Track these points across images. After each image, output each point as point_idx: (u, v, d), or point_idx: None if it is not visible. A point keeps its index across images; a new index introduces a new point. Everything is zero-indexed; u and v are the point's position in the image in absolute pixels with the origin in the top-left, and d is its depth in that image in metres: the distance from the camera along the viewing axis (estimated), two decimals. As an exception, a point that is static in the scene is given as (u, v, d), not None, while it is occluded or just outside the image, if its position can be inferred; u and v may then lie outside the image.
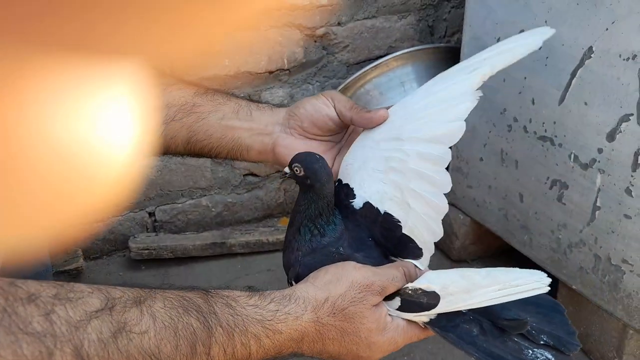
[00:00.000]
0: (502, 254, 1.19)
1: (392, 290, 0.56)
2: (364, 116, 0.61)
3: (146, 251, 1.21)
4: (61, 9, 0.11)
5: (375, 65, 1.18)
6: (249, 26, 0.13)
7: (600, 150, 0.82)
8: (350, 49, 1.27)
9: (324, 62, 1.28)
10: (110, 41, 0.12)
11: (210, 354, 0.49)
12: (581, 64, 0.81)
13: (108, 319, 0.43)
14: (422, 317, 0.57)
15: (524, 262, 1.04)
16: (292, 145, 0.65)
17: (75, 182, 0.15)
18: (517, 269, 0.57)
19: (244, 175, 1.33)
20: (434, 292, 0.56)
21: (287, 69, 1.24)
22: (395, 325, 0.57)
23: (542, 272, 0.56)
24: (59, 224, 0.15)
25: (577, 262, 0.90)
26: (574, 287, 0.92)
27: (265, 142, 0.66)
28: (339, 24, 1.24)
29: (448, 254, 1.20)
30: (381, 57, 1.24)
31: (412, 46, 1.24)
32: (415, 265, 0.60)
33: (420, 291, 0.56)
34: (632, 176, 0.78)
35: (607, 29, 0.76)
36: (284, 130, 0.66)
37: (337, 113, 0.64)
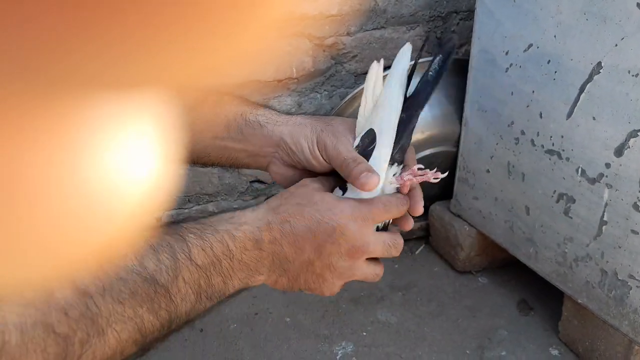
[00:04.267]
0: (508, 266, 1.19)
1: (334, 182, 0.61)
2: (355, 182, 0.59)
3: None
4: (79, 47, 0.11)
5: (383, 76, 1.19)
6: (260, 38, 0.13)
7: (608, 165, 0.82)
8: (358, 59, 1.28)
9: (332, 71, 1.28)
10: (126, 75, 0.12)
11: (192, 258, 0.51)
12: (590, 79, 0.82)
13: None
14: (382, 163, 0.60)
15: (530, 275, 1.04)
16: (285, 174, 0.67)
17: (95, 221, 0.15)
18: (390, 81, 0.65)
19: (250, 182, 1.34)
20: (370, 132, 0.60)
21: (295, 78, 1.25)
22: (347, 200, 0.58)
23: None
24: (75, 264, 0.15)
25: (583, 277, 0.90)
26: (579, 301, 0.92)
27: (261, 162, 0.67)
28: (347, 34, 1.25)
29: (453, 265, 1.20)
30: (389, 67, 1.24)
31: (420, 58, 1.24)
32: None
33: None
34: (639, 192, 0.78)
35: (616, 45, 0.77)
36: (276, 157, 0.66)
37: (325, 160, 0.63)
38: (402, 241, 0.61)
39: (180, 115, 0.16)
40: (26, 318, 0.40)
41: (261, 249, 0.55)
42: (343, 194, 0.61)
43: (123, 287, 0.46)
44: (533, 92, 0.92)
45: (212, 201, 1.32)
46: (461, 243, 1.16)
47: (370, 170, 0.58)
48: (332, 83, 1.29)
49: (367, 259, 0.59)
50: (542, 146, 0.93)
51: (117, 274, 0.46)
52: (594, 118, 0.82)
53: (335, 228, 0.56)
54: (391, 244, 0.60)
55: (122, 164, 0.14)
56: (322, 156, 0.63)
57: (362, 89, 0.70)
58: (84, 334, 0.43)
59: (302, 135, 0.64)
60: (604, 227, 0.85)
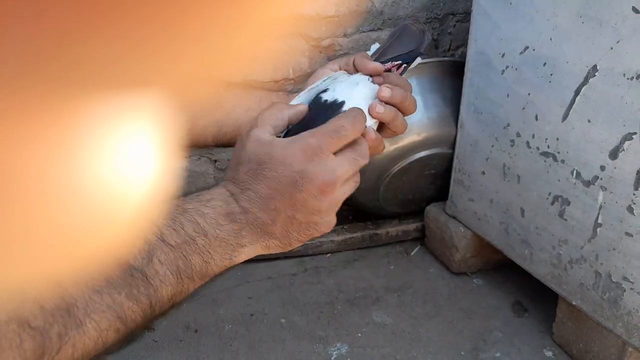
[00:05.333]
0: (503, 267, 1.20)
1: (265, 119, 0.58)
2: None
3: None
4: (78, 46, 0.11)
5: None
6: (258, 39, 0.13)
7: (602, 168, 0.82)
8: (355, 60, 1.28)
9: (328, 72, 1.29)
10: (124, 75, 0.12)
11: (164, 239, 0.50)
12: (585, 82, 0.82)
13: None
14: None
15: (524, 277, 1.04)
16: None
17: (92, 222, 0.15)
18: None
19: (246, 183, 1.34)
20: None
21: (292, 79, 1.25)
22: (294, 143, 0.57)
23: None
24: (71, 267, 0.15)
25: (577, 278, 0.91)
26: (574, 303, 0.92)
27: None
28: (344, 35, 1.25)
29: (448, 267, 1.20)
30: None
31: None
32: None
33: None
34: (634, 194, 0.78)
35: (611, 48, 0.77)
36: None
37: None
38: (364, 144, 0.59)
39: (180, 114, 0.16)
40: (0, 314, 0.39)
41: (235, 221, 0.54)
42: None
43: (97, 275, 0.45)
44: (529, 94, 0.92)
45: (207, 201, 1.32)
46: (456, 244, 1.16)
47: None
48: (329, 84, 1.30)
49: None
50: (538, 148, 0.93)
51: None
52: (589, 121, 0.83)
53: (296, 178, 0.55)
54: (356, 156, 0.58)
55: (121, 163, 0.14)
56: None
57: None
58: (61, 326, 0.42)
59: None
60: (598, 230, 0.85)
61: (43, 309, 0.41)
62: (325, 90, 0.63)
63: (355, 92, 0.61)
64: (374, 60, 0.66)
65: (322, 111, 0.60)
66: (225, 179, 0.57)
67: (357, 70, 0.66)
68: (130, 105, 0.14)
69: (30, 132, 0.12)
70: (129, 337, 0.48)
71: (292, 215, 0.56)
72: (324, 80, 0.65)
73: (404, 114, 0.63)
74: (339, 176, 0.56)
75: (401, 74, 0.67)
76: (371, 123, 0.61)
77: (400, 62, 0.67)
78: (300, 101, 0.64)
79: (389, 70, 0.67)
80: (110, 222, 0.15)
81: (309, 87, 0.64)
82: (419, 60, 0.70)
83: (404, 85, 0.64)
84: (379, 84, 0.63)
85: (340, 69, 0.68)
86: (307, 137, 0.56)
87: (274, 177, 0.54)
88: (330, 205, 0.57)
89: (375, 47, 0.72)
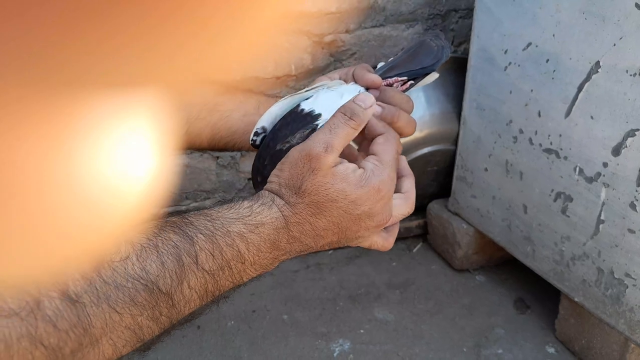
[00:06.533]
0: (505, 264, 1.20)
1: (340, 139, 0.54)
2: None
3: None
4: (73, 43, 0.11)
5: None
6: (260, 35, 0.13)
7: (605, 165, 0.82)
8: (357, 57, 1.28)
9: (330, 68, 1.28)
10: (121, 73, 0.12)
11: (199, 263, 0.47)
12: (588, 78, 0.82)
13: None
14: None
15: (527, 273, 1.04)
16: None
17: (89, 219, 0.14)
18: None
19: (248, 179, 1.34)
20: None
21: (294, 75, 1.25)
22: (365, 167, 0.55)
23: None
24: (68, 262, 0.15)
25: (580, 275, 0.91)
26: (576, 299, 0.92)
27: None
28: (346, 31, 1.25)
29: (450, 263, 1.20)
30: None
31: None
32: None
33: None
34: (636, 191, 0.78)
35: (614, 45, 0.77)
36: None
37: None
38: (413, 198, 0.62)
39: (177, 114, 0.15)
40: (10, 330, 0.38)
41: (278, 248, 0.52)
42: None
43: (122, 295, 0.43)
44: (532, 90, 0.92)
45: (209, 198, 1.32)
46: (459, 241, 1.16)
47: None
48: (331, 81, 1.29)
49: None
50: (540, 145, 0.93)
51: (116, 281, 0.43)
52: (592, 117, 0.83)
53: (362, 216, 0.54)
54: (409, 209, 0.60)
55: (118, 160, 0.14)
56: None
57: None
58: (75, 344, 0.41)
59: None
60: (600, 226, 0.85)
61: (57, 327, 0.40)
62: (307, 98, 0.60)
63: (336, 104, 0.57)
64: (380, 75, 0.62)
65: (294, 121, 0.58)
66: (285, 199, 0.53)
67: (355, 81, 0.63)
68: (127, 103, 0.14)
69: (28, 130, 0.12)
70: (141, 350, 0.47)
71: (337, 240, 0.56)
72: (314, 87, 0.62)
73: (399, 134, 0.59)
74: (394, 217, 0.58)
75: (405, 90, 0.63)
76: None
77: (406, 78, 0.63)
78: (280, 106, 0.61)
79: (390, 85, 0.63)
80: (108, 218, 0.15)
81: (294, 93, 0.61)
82: (435, 76, 0.65)
83: (400, 103, 0.60)
84: (372, 95, 0.59)
85: (340, 79, 0.65)
86: (380, 183, 0.54)
87: (339, 215, 0.53)
88: (371, 235, 0.58)
89: (382, 64, 0.68)
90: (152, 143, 0.15)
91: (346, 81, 0.64)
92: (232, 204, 0.52)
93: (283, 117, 0.60)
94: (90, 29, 0.10)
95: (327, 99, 0.60)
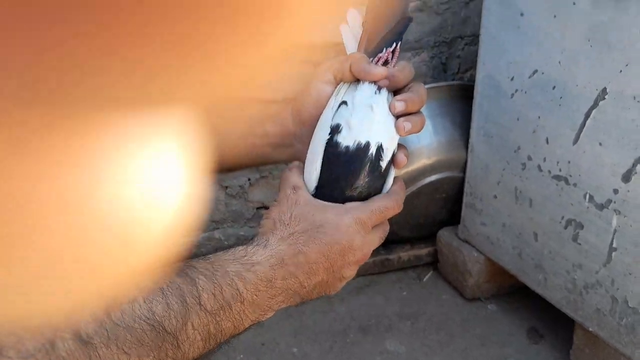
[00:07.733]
0: (517, 292, 1.18)
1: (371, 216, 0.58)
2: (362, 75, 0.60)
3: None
4: (101, 67, 0.10)
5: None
6: (269, 66, 0.13)
7: (615, 191, 0.81)
8: (364, 85, 1.29)
9: (337, 98, 1.29)
10: (148, 91, 0.11)
11: (202, 303, 0.50)
12: (595, 104, 0.81)
13: None
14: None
15: (540, 301, 1.02)
16: None
17: (111, 257, 0.14)
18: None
19: (257, 209, 1.33)
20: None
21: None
22: (348, 213, 0.57)
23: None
24: (84, 304, 0.15)
25: (593, 304, 0.89)
26: (590, 329, 0.90)
27: (289, 152, 0.67)
28: (353, 61, 1.26)
29: (461, 292, 1.18)
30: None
31: (425, 83, 1.24)
32: None
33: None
34: (648, 218, 0.77)
35: (620, 71, 0.76)
36: (299, 142, 0.65)
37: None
38: (387, 226, 0.62)
39: (206, 134, 0.15)
40: None
41: (274, 287, 0.54)
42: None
43: (130, 336, 0.45)
44: (539, 117, 0.92)
45: (218, 228, 1.32)
46: (469, 269, 1.15)
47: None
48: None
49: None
50: (549, 172, 0.92)
51: (124, 322, 0.45)
52: (600, 144, 0.82)
53: (345, 247, 0.57)
54: (382, 236, 0.61)
55: (145, 188, 0.13)
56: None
57: None
58: None
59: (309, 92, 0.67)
60: (613, 254, 0.83)
61: None
62: (338, 129, 0.58)
63: (374, 123, 0.57)
64: (372, 55, 0.61)
65: (348, 162, 0.57)
66: (278, 235, 0.56)
67: (355, 78, 0.61)
68: (155, 125, 0.13)
69: (53, 154, 0.12)
70: None
71: (326, 280, 0.58)
72: (332, 109, 0.60)
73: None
74: (371, 250, 0.60)
75: (398, 56, 0.62)
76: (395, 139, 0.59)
77: (393, 45, 0.61)
78: (314, 147, 0.60)
79: (386, 62, 0.61)
80: (134, 249, 0.14)
81: (317, 126, 0.60)
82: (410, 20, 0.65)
83: (407, 79, 0.61)
84: (386, 88, 0.58)
85: (335, 79, 0.63)
86: (358, 210, 0.57)
87: (327, 243, 0.56)
88: (351, 273, 0.60)
89: (352, 12, 0.66)
90: (182, 166, 0.14)
91: (343, 79, 0.62)
92: (228, 250, 0.55)
93: (325, 162, 0.58)
94: (119, 53, 0.10)
95: (360, 120, 0.58)
